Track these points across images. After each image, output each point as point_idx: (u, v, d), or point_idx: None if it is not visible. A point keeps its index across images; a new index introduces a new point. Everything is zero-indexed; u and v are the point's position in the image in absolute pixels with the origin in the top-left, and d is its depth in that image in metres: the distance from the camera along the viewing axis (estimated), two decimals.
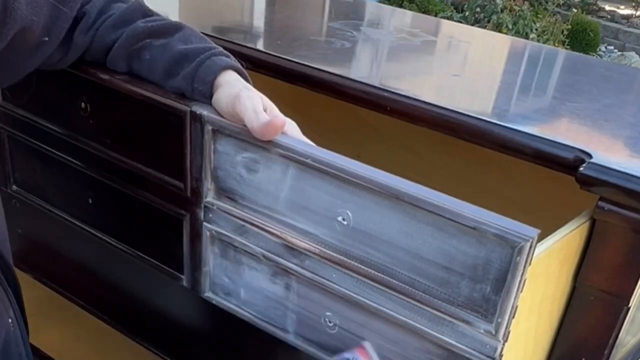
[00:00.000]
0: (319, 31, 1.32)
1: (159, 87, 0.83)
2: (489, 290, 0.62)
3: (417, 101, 0.90)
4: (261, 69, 1.02)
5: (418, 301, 0.68)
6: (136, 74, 0.86)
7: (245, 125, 0.73)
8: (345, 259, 0.72)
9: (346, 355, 0.73)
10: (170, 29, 0.84)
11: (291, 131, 0.74)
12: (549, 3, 6.73)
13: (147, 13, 0.86)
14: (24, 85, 0.89)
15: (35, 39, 0.79)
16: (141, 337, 1.13)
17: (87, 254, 1.12)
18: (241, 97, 0.73)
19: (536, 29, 6.02)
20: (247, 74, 0.81)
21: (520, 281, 0.60)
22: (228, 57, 0.80)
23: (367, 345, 0.72)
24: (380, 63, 1.19)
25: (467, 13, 6.57)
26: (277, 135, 0.72)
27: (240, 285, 0.84)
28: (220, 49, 0.82)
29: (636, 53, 6.67)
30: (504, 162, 0.91)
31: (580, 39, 6.34)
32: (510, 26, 5.97)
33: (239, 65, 0.80)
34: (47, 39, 0.81)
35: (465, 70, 1.19)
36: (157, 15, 0.87)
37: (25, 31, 0.75)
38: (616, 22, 7.38)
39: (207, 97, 0.78)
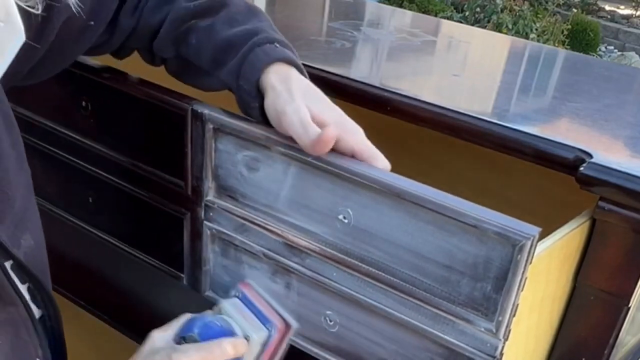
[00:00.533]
0: (319, 31, 1.32)
1: (209, 78, 0.80)
2: (490, 288, 0.62)
3: (417, 101, 0.90)
4: None
5: (419, 300, 0.68)
6: (185, 59, 0.81)
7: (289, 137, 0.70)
8: (346, 258, 0.72)
9: (232, 292, 0.79)
10: (215, 7, 0.79)
11: (352, 140, 0.69)
12: (549, 3, 6.74)
13: None
14: None
15: (80, 23, 0.76)
16: (141, 337, 1.13)
17: (87, 254, 1.12)
18: (287, 112, 0.69)
19: (536, 29, 6.02)
20: (296, 60, 0.75)
21: (521, 280, 0.60)
22: (272, 42, 0.74)
23: (249, 280, 0.78)
24: (381, 63, 1.19)
25: (467, 13, 6.57)
26: (329, 147, 0.67)
27: None
28: (266, 29, 0.77)
29: (636, 53, 6.67)
30: (504, 162, 0.91)
31: (580, 39, 6.34)
32: (510, 26, 5.97)
33: (287, 54, 0.74)
34: (92, 23, 0.78)
35: (465, 70, 1.19)
36: None
37: (70, 18, 0.73)
38: (616, 22, 7.38)
39: (253, 96, 0.74)
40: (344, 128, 0.69)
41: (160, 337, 0.73)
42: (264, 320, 0.75)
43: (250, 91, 0.74)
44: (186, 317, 0.75)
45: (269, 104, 0.72)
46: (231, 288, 0.81)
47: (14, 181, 0.68)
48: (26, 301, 0.70)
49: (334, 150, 0.69)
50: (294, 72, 0.74)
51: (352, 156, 0.69)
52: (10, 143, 0.69)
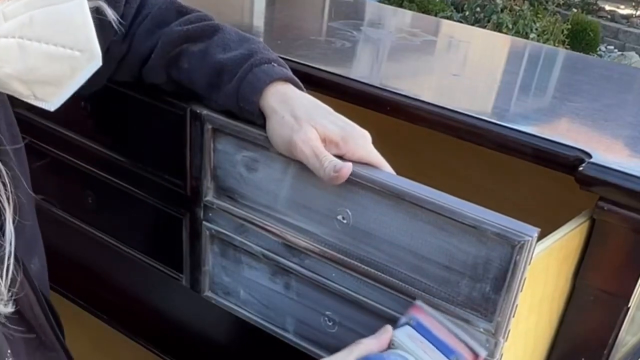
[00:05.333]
0: (319, 31, 1.32)
1: (206, 100, 0.79)
2: (489, 289, 0.62)
3: (417, 101, 0.90)
4: None
5: (418, 300, 0.67)
6: (177, 83, 0.80)
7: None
8: (345, 258, 0.72)
9: (404, 320, 0.67)
10: (207, 31, 0.78)
11: (358, 153, 0.69)
12: (549, 3, 6.73)
13: (182, 11, 0.81)
14: None
15: None
16: (141, 337, 1.13)
17: (86, 254, 1.12)
18: (296, 144, 0.68)
19: (536, 29, 6.02)
20: (295, 79, 0.75)
21: (520, 280, 0.60)
22: (269, 62, 0.74)
23: (419, 303, 0.67)
24: (381, 63, 1.19)
25: (467, 13, 6.57)
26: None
27: (240, 285, 0.84)
28: (261, 50, 0.76)
29: (636, 53, 6.67)
30: (504, 162, 0.91)
31: (580, 39, 6.33)
32: (510, 26, 5.97)
33: (284, 72, 0.74)
34: None
35: (465, 70, 1.19)
36: (192, 12, 0.81)
37: None
38: (616, 22, 7.38)
39: (256, 116, 0.73)
40: (349, 139, 0.69)
41: None
42: (446, 351, 0.63)
43: (252, 112, 0.73)
44: (364, 348, 0.64)
45: (273, 128, 0.71)
46: (402, 316, 0.68)
47: (25, 206, 0.67)
48: (64, 345, 0.69)
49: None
50: (292, 89, 0.73)
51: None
52: (18, 164, 0.68)
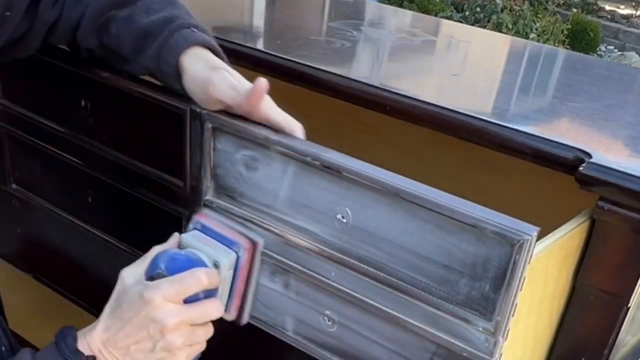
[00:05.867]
0: (319, 31, 1.32)
1: (132, 64, 0.83)
2: (488, 288, 0.62)
3: (417, 101, 0.90)
4: (261, 68, 1.02)
5: (417, 299, 0.68)
6: (107, 48, 0.85)
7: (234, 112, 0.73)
8: (345, 257, 0.72)
9: (191, 226, 0.76)
10: None
11: (264, 106, 0.73)
12: (549, 3, 6.74)
13: None
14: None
15: None
16: None
17: (86, 253, 1.12)
18: (212, 81, 0.73)
19: (536, 29, 6.02)
20: (214, 44, 0.79)
21: (519, 279, 0.60)
22: (189, 27, 0.78)
23: (204, 210, 0.77)
24: (381, 63, 1.19)
25: (467, 13, 6.57)
26: (264, 96, 0.71)
27: None
28: (183, 16, 0.80)
29: (636, 53, 6.67)
30: (504, 162, 0.91)
31: (580, 39, 6.34)
32: (510, 26, 5.97)
33: (203, 37, 0.78)
34: (8, 13, 0.79)
35: (465, 70, 1.19)
36: None
37: None
38: (616, 22, 7.38)
39: (174, 78, 0.78)
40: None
41: (130, 274, 0.70)
42: (228, 243, 0.73)
43: (170, 74, 0.78)
44: (155, 251, 0.72)
45: (189, 78, 0.76)
46: (189, 223, 0.78)
47: None
48: None
49: (248, 120, 0.73)
50: (210, 54, 0.78)
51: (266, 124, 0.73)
52: None
